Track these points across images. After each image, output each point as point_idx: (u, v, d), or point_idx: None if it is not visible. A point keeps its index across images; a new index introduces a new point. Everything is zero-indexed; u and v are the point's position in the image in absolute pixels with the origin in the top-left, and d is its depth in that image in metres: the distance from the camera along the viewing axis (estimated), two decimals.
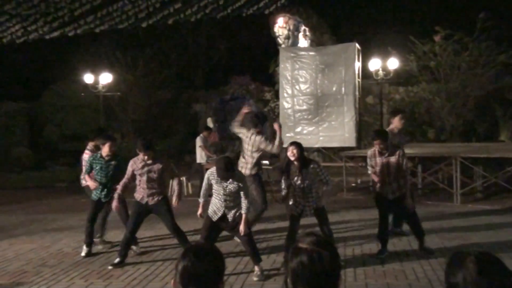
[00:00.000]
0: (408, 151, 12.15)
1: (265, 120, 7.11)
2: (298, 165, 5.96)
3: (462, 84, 15.64)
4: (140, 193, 6.35)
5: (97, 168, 6.83)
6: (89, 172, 6.91)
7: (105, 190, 6.86)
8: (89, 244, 6.90)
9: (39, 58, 21.97)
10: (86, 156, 7.22)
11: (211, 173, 5.71)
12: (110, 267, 6.18)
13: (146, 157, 6.22)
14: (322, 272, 1.76)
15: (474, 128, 16.58)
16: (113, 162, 6.82)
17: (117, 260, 6.29)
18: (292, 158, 5.96)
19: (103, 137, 6.98)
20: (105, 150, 6.79)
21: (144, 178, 6.25)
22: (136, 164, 6.31)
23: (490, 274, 1.71)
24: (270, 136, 7.93)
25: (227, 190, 5.62)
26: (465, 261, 1.74)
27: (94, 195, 6.91)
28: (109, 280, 5.72)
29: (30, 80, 22.17)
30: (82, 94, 18.43)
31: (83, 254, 6.82)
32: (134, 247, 6.85)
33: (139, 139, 6.50)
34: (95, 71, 16.72)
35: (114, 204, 6.45)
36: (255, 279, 5.58)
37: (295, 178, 5.99)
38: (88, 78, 16.59)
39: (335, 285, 1.80)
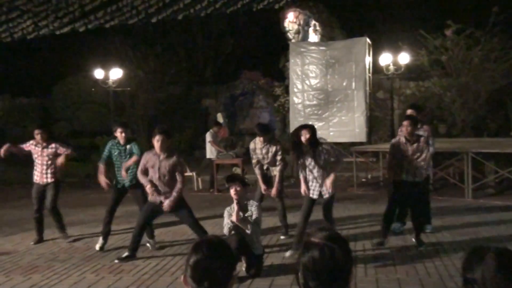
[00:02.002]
0: None
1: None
2: (309, 147, 6.04)
3: (474, 79, 15.49)
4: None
5: (115, 154, 6.83)
6: (105, 159, 6.91)
7: (129, 176, 6.82)
8: (106, 235, 6.92)
9: (50, 53, 22.06)
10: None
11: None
12: (116, 261, 6.20)
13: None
14: (333, 267, 1.75)
15: (486, 123, 16.42)
16: (128, 147, 6.81)
17: (125, 254, 6.30)
18: (303, 140, 6.04)
19: (115, 123, 7.10)
20: (118, 136, 6.83)
21: (156, 175, 6.14)
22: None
23: (510, 271, 1.68)
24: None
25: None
26: (484, 257, 1.71)
27: (118, 183, 6.88)
28: (120, 274, 5.74)
29: (41, 75, 22.27)
30: (93, 89, 18.49)
31: (97, 246, 6.85)
32: (151, 241, 6.88)
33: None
34: (106, 66, 16.76)
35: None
36: None
37: (309, 160, 6.09)
38: (98, 73, 16.64)
39: (346, 280, 1.79)
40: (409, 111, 7.33)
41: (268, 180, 7.29)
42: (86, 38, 18.66)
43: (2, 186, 14.35)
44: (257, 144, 7.25)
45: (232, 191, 5.58)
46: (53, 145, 7.32)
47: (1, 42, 13.06)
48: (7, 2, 11.26)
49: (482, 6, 16.13)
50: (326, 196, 6.16)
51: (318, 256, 1.74)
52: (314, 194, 6.18)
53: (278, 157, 7.12)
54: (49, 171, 7.25)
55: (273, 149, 7.15)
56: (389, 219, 6.69)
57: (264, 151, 7.19)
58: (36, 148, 7.31)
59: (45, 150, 7.26)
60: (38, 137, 7.28)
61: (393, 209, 6.74)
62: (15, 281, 5.62)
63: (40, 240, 7.36)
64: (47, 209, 7.33)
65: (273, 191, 7.07)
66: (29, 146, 7.39)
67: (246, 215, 5.56)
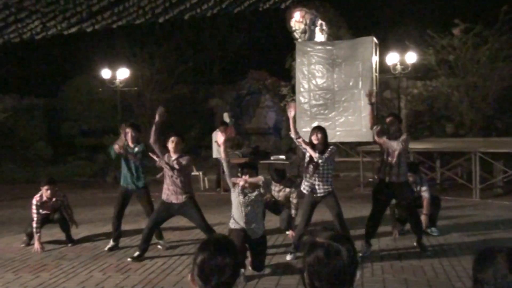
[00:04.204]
0: (427, 146, 12.07)
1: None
2: (321, 149, 6.04)
3: (482, 78, 15.42)
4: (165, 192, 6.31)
5: (123, 157, 6.80)
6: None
7: (135, 177, 6.80)
8: (116, 238, 6.94)
9: (57, 53, 22.17)
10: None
11: None
12: (129, 260, 6.25)
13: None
14: (338, 267, 1.75)
15: (494, 122, 16.34)
16: (136, 149, 6.81)
17: (136, 253, 6.34)
18: (315, 142, 6.05)
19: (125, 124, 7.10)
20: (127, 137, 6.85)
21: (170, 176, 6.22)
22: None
23: None
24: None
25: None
26: (496, 257, 1.71)
27: (124, 183, 6.86)
28: (127, 273, 5.78)
29: (49, 75, 22.38)
30: (100, 89, 18.57)
31: (106, 248, 6.86)
32: (161, 242, 6.89)
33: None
34: (113, 66, 16.82)
35: None
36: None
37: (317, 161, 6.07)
38: (105, 73, 16.70)
39: (351, 280, 1.79)
40: (388, 119, 6.75)
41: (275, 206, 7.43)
42: (94, 38, 18.73)
43: (11, 185, 14.44)
44: (274, 186, 7.40)
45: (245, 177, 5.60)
46: (63, 198, 7.30)
47: (10, 43, 13.14)
48: (16, 3, 11.33)
49: (491, 4, 16.04)
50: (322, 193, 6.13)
51: (323, 256, 1.75)
52: (318, 193, 6.13)
53: (294, 201, 7.15)
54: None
55: (286, 191, 7.29)
56: (374, 222, 6.42)
57: (279, 192, 7.36)
58: (46, 204, 7.11)
59: (53, 204, 7.18)
60: (47, 193, 7.03)
61: (378, 212, 6.45)
62: (24, 279, 5.66)
63: (29, 243, 7.24)
64: (55, 218, 7.26)
65: (291, 234, 7.02)
66: (37, 207, 6.99)
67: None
